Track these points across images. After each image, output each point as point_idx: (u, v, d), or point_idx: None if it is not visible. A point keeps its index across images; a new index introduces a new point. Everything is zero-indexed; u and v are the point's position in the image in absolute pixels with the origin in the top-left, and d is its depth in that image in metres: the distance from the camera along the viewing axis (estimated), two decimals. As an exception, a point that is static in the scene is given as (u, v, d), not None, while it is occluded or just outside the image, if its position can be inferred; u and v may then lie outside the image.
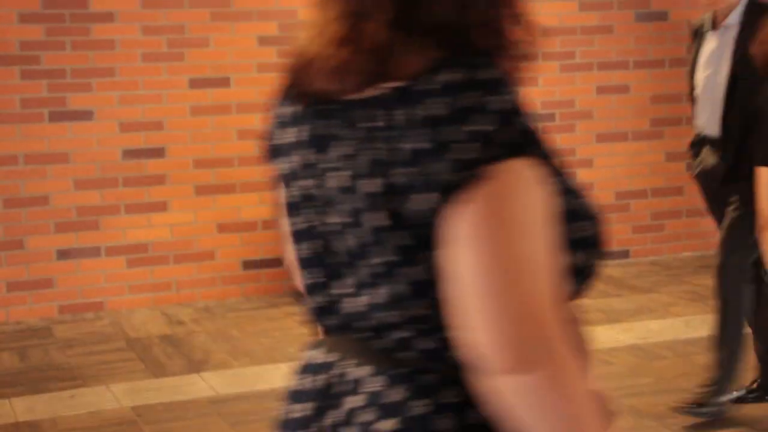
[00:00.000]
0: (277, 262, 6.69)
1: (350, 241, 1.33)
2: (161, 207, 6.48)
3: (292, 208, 1.44)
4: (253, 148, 6.55)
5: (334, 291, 1.39)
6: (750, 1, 4.23)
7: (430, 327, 1.31)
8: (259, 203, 6.66)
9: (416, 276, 1.28)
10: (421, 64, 1.28)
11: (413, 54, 1.28)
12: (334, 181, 1.33)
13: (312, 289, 1.43)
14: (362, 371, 1.36)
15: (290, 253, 1.46)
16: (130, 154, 6.37)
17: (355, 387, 1.37)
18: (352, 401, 1.36)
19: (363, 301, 1.34)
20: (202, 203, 6.57)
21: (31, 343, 5.84)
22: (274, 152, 1.45)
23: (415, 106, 1.25)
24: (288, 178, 1.41)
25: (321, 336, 1.46)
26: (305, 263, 1.42)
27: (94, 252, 6.39)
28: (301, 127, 1.37)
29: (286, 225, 1.46)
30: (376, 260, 1.31)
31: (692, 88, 4.42)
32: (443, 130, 1.22)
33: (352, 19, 1.28)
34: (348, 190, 1.31)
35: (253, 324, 6.03)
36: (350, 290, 1.36)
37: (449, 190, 1.22)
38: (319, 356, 1.44)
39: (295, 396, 1.47)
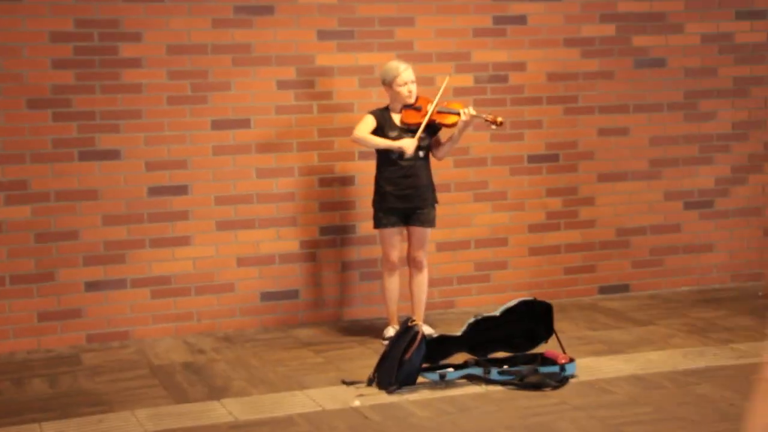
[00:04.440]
0: (293, 294, 6.80)
1: None
2: (184, 241, 6.52)
3: None
4: (271, 185, 6.73)
5: None
6: None
7: None
8: (276, 238, 6.70)
9: None
10: None
11: None
12: None
13: None
14: None
15: None
16: (156, 191, 6.45)
17: None
18: None
19: None
20: (223, 238, 6.60)
21: (61, 370, 5.85)
22: None
23: None
24: None
25: None
26: None
27: (120, 284, 6.41)
28: None
29: None
30: None
31: None
32: None
33: None
34: None
35: (270, 353, 6.02)
36: None
37: None
38: None
39: None
